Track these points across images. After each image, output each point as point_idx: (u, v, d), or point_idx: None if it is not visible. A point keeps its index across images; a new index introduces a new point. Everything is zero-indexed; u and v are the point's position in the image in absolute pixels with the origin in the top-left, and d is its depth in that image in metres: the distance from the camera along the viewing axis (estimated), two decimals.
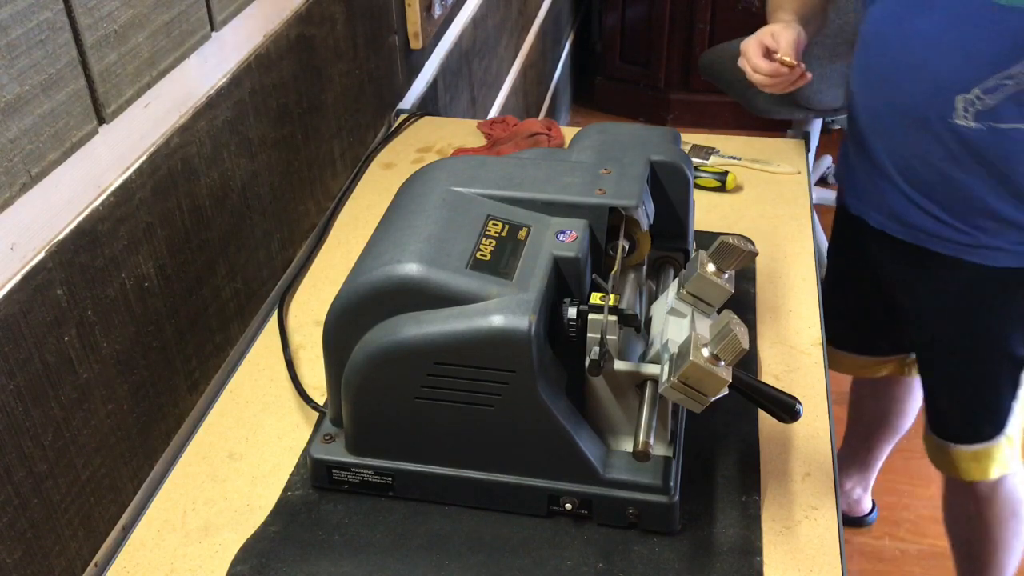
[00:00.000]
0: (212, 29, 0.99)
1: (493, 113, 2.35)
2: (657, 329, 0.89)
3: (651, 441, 0.79)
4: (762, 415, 0.97)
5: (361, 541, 0.87)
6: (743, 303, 1.13)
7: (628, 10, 3.41)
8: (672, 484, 0.85)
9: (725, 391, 0.78)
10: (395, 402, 0.85)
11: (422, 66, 1.75)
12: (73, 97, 0.79)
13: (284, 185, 1.22)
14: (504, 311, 0.79)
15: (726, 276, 0.88)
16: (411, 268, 0.82)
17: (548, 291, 0.83)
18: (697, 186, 1.33)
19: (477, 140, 1.54)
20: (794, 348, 1.09)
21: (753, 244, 0.89)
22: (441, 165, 0.98)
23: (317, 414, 0.99)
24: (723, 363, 0.78)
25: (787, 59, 1.22)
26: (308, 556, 0.85)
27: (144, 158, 0.91)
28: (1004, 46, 1.13)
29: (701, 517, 0.88)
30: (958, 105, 1.17)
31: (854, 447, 1.96)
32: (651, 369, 0.84)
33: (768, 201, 1.36)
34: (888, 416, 1.87)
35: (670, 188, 1.00)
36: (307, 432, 0.99)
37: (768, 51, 1.26)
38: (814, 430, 0.98)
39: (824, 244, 2.79)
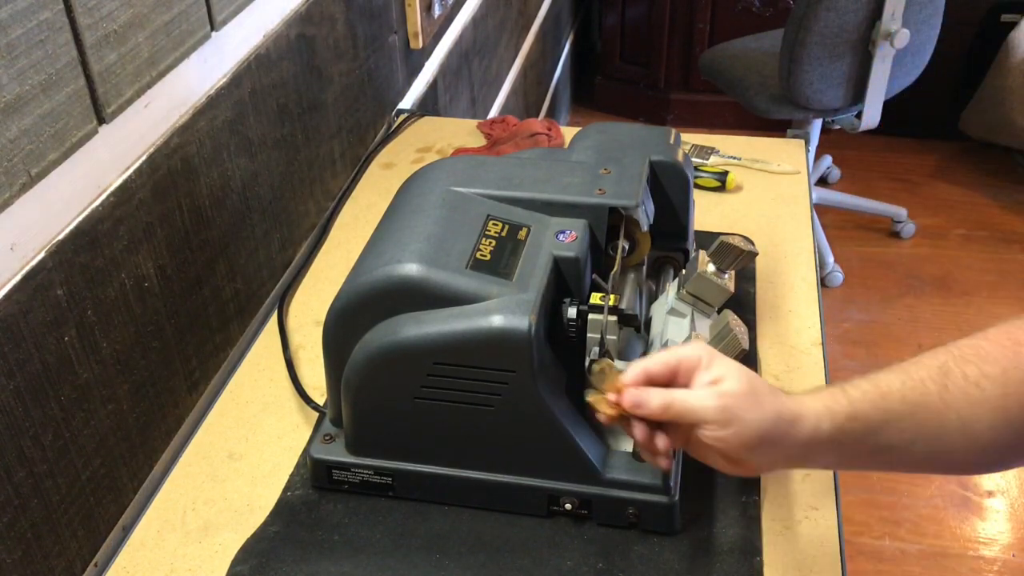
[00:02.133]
0: (212, 29, 0.99)
1: (493, 113, 2.35)
2: (657, 329, 0.89)
3: None
4: None
5: (361, 541, 0.87)
6: (743, 303, 1.13)
7: (628, 10, 3.41)
8: (672, 484, 0.85)
9: None
10: (395, 402, 0.85)
11: (422, 66, 1.75)
12: (73, 97, 0.79)
13: (284, 185, 1.22)
14: (504, 311, 0.79)
15: (726, 276, 0.88)
16: (411, 268, 0.82)
17: (548, 291, 0.83)
18: (697, 186, 1.33)
19: (477, 140, 1.54)
20: (794, 348, 1.09)
21: (753, 244, 0.89)
22: (441, 165, 0.98)
23: (317, 414, 0.99)
24: None
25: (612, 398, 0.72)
26: (308, 556, 0.85)
27: (144, 158, 0.91)
28: None
29: (701, 517, 0.88)
30: None
31: None
32: None
33: (768, 201, 1.36)
34: None
35: (670, 188, 1.00)
36: (307, 432, 0.99)
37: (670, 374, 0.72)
38: None
39: (824, 244, 2.80)
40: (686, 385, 0.70)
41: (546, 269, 0.84)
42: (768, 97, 2.48)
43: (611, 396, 0.72)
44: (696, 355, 0.71)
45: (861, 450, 0.69)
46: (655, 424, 0.72)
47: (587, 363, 0.80)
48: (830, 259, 2.77)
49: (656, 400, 0.70)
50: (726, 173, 1.38)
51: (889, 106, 2.46)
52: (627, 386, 0.71)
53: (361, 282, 0.84)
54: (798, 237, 1.28)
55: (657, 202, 0.98)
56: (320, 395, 1.02)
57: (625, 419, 0.73)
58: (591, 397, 0.74)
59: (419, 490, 0.90)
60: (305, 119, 1.26)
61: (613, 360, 0.82)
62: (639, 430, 0.72)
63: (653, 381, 0.71)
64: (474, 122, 1.59)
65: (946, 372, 0.68)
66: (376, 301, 0.83)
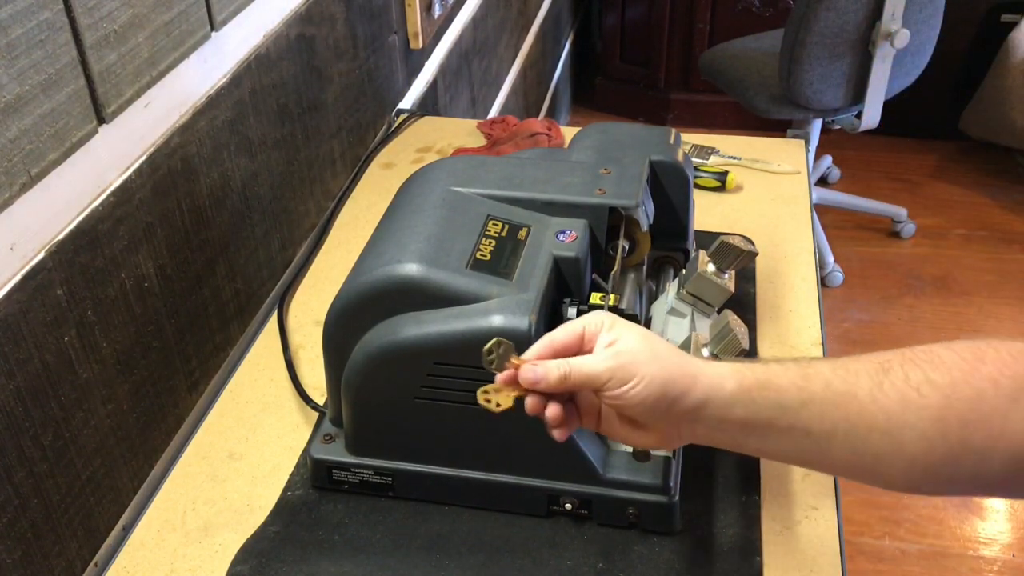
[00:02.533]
0: (212, 29, 0.99)
1: (493, 113, 2.35)
2: (657, 329, 0.89)
3: None
4: None
5: (361, 541, 0.87)
6: (743, 303, 1.13)
7: (628, 10, 3.41)
8: (672, 484, 0.85)
9: None
10: (395, 402, 0.85)
11: (422, 66, 1.75)
12: (73, 97, 0.79)
13: (284, 185, 1.22)
14: (504, 311, 0.79)
15: (726, 276, 0.88)
16: (411, 268, 0.82)
17: (548, 291, 0.83)
18: (697, 186, 1.33)
19: (477, 140, 1.54)
20: (794, 348, 1.09)
21: (753, 244, 0.89)
22: (441, 165, 0.98)
23: (317, 414, 0.99)
24: None
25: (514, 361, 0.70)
26: (308, 556, 0.85)
27: (144, 158, 0.91)
28: None
29: (701, 517, 0.88)
30: None
31: None
32: None
33: (768, 201, 1.36)
34: None
35: (670, 188, 1.00)
36: (307, 432, 0.99)
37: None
38: None
39: (824, 244, 2.80)
40: (590, 352, 0.68)
41: (546, 269, 0.84)
42: (768, 97, 2.48)
43: (506, 375, 0.68)
44: (598, 320, 0.69)
45: (774, 427, 0.65)
46: (558, 398, 0.69)
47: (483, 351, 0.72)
48: (830, 259, 2.77)
49: (555, 372, 0.67)
50: (726, 173, 1.38)
51: (889, 106, 2.46)
52: (525, 362, 0.68)
53: (361, 282, 0.84)
54: (798, 237, 1.28)
55: (657, 202, 0.98)
56: (320, 395, 1.02)
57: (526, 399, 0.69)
58: (481, 395, 0.70)
59: (419, 490, 0.90)
60: (305, 119, 1.26)
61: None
62: (531, 401, 0.69)
63: (560, 352, 0.69)
64: (474, 122, 1.59)
65: (886, 369, 0.63)
66: (376, 301, 0.83)
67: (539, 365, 0.68)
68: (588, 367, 0.67)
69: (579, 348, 0.69)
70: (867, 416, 0.63)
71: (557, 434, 0.71)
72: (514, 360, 0.69)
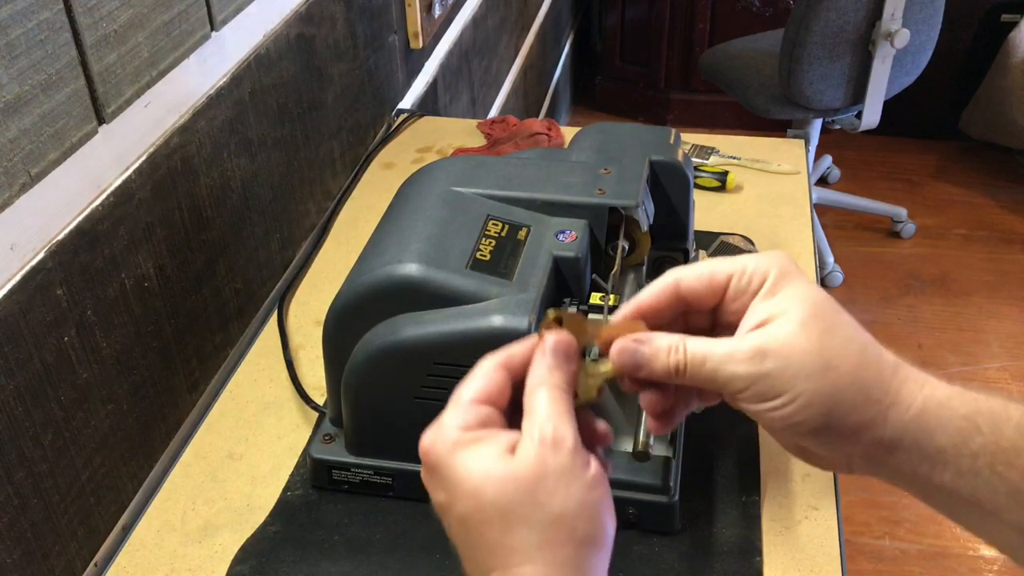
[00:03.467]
0: (212, 29, 0.99)
1: (493, 113, 2.35)
2: None
3: (651, 441, 0.79)
4: None
5: (361, 541, 0.87)
6: None
7: (628, 10, 3.42)
8: (672, 484, 0.85)
9: None
10: (395, 402, 0.85)
11: (422, 66, 1.75)
12: (73, 97, 0.79)
13: (284, 185, 1.22)
14: (504, 311, 0.79)
15: None
16: (411, 268, 0.82)
17: (548, 291, 0.83)
18: (697, 186, 1.33)
19: (477, 140, 1.54)
20: None
21: (753, 244, 0.89)
22: (441, 165, 0.98)
23: (317, 414, 0.99)
24: None
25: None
26: (308, 556, 0.85)
27: (144, 158, 0.91)
28: None
29: (701, 517, 0.88)
30: None
31: None
32: None
33: (768, 201, 1.36)
34: None
35: (670, 188, 1.00)
36: (307, 432, 0.99)
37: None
38: None
39: (824, 244, 2.80)
40: (740, 312, 0.47)
41: (546, 269, 0.84)
42: (768, 97, 2.48)
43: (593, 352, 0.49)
44: (763, 268, 0.47)
45: (1001, 518, 0.44)
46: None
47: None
48: (830, 259, 2.77)
49: (662, 359, 0.47)
50: (726, 173, 1.38)
51: (889, 106, 2.46)
52: (620, 330, 0.49)
53: (361, 282, 0.84)
54: (798, 237, 1.28)
55: (657, 202, 0.98)
56: (320, 395, 1.02)
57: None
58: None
59: (419, 490, 0.89)
60: (305, 119, 1.26)
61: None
62: (625, 385, 0.51)
63: (685, 301, 0.49)
64: (474, 122, 1.59)
65: None
66: (376, 301, 0.83)
67: (645, 343, 0.48)
68: (714, 364, 0.46)
69: (714, 304, 0.49)
70: None
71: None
72: (606, 330, 0.49)
